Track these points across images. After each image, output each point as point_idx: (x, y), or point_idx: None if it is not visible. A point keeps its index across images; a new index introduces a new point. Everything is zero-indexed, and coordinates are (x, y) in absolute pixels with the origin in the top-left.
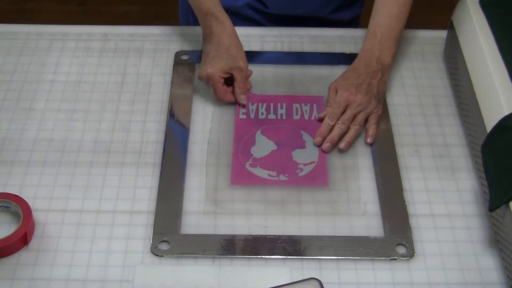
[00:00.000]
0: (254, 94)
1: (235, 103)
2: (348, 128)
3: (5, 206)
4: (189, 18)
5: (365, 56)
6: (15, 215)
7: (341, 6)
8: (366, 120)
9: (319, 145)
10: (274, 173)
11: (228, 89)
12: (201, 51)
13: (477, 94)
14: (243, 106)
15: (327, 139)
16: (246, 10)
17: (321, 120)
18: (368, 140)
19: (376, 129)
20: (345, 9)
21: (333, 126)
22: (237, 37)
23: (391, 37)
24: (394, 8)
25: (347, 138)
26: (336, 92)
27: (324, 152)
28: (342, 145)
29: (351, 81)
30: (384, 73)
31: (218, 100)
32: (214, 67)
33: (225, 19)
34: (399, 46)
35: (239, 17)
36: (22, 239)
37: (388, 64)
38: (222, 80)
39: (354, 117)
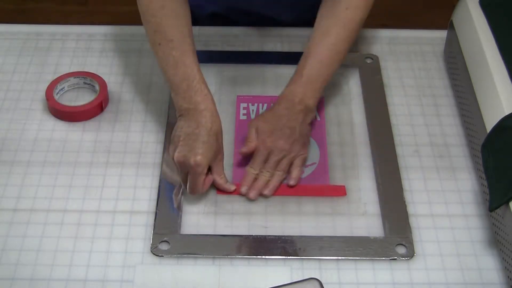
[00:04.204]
0: (255, 95)
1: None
2: (272, 175)
3: (85, 82)
4: None
5: (287, 97)
6: (92, 88)
7: None
8: (291, 164)
9: (244, 194)
10: None
11: (207, 178)
12: (173, 129)
13: (477, 94)
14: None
15: (253, 188)
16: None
17: (242, 154)
18: (291, 182)
19: (300, 171)
20: None
21: (257, 174)
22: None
23: (318, 82)
24: (326, 53)
25: (271, 185)
26: (256, 133)
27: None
28: (265, 192)
29: (272, 125)
30: (306, 115)
31: (192, 194)
32: (206, 157)
33: (210, 93)
34: (399, 46)
35: (256, 18)
36: (98, 106)
37: (311, 107)
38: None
39: (277, 163)
